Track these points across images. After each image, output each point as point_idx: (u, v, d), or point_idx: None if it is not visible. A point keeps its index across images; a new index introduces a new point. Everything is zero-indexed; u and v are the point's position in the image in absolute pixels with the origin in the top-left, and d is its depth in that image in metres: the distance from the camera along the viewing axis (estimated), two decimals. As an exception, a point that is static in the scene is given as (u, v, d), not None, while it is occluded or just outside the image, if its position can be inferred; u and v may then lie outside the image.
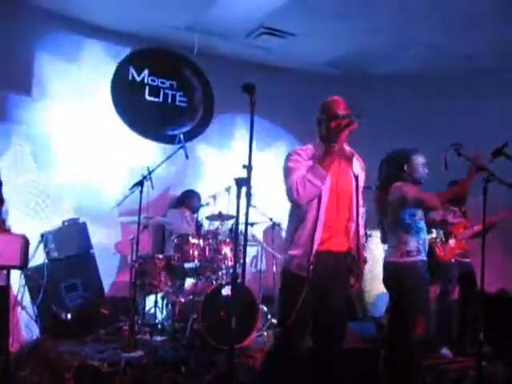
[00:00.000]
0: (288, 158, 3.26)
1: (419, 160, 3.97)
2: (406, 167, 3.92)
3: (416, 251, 3.80)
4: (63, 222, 6.00)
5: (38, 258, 5.72)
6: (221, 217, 6.03)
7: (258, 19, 6.46)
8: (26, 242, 2.02)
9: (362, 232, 3.40)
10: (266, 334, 5.68)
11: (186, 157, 5.85)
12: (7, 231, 2.30)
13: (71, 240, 5.92)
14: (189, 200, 6.83)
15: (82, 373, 4.11)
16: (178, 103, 7.32)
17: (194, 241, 5.74)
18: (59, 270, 5.73)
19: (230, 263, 5.59)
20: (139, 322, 5.53)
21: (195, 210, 6.75)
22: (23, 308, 5.54)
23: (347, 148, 3.40)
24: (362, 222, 3.37)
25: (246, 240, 2.93)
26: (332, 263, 3.22)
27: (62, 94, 6.55)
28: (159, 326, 5.69)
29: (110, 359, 4.46)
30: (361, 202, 3.37)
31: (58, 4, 6.29)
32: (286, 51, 7.23)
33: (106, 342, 5.15)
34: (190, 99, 7.41)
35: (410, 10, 5.96)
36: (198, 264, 5.71)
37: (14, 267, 2.00)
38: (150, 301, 5.97)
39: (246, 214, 2.85)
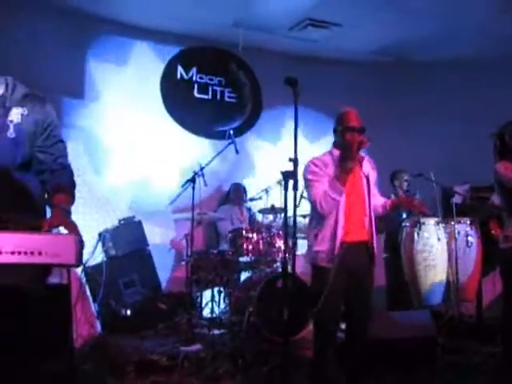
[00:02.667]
0: (306, 170, 3.54)
1: None
2: None
3: None
4: (119, 221, 6.17)
5: (97, 256, 5.93)
6: (273, 210, 6.07)
7: (303, 11, 6.45)
8: (80, 242, 2.09)
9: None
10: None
11: (237, 152, 5.92)
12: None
13: (128, 238, 6.07)
14: (235, 193, 6.90)
15: (142, 366, 4.24)
16: (226, 99, 7.40)
17: (247, 235, 5.80)
18: (117, 268, 5.88)
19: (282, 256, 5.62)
20: (197, 316, 5.65)
21: (243, 203, 6.81)
22: (85, 305, 5.74)
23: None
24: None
25: (295, 232, 2.97)
26: (354, 253, 3.49)
27: (113, 96, 6.73)
28: (216, 320, 5.78)
29: (169, 353, 4.53)
30: (375, 197, 3.72)
31: (106, 9, 6.46)
32: (332, 42, 7.19)
33: (164, 337, 5.24)
34: (238, 95, 7.47)
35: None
36: (252, 258, 5.77)
37: (71, 265, 2.08)
38: (206, 295, 6.09)
39: (294, 207, 2.89)
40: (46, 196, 2.62)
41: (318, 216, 3.55)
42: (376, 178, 3.79)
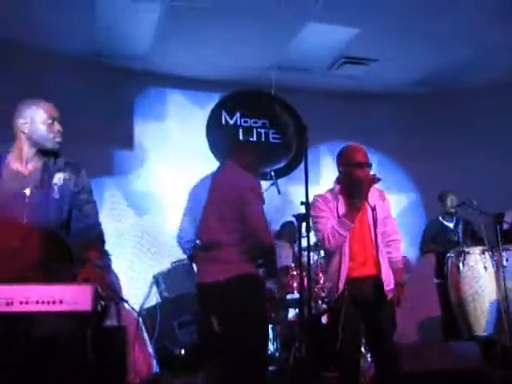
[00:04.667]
0: (311, 207, 3.48)
1: None
2: None
3: None
4: (171, 264, 6.43)
5: (151, 298, 6.22)
6: (317, 247, 6.17)
7: (338, 50, 6.65)
8: (96, 291, 2.33)
9: (396, 256, 3.67)
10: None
11: (279, 192, 6.12)
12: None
13: (180, 280, 6.31)
14: (286, 231, 7.03)
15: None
16: (271, 140, 7.62)
17: (293, 272, 5.93)
18: (171, 309, 6.12)
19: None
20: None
21: (294, 241, 6.93)
22: (142, 345, 6.00)
23: None
24: (397, 246, 3.69)
25: (309, 270, 3.10)
26: (361, 287, 3.48)
27: (157, 147, 7.18)
28: (269, 357, 5.88)
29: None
30: (388, 228, 3.66)
31: (149, 64, 6.92)
32: (371, 77, 7.33)
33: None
34: (283, 135, 7.68)
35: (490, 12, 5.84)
36: (298, 294, 5.87)
37: (87, 313, 2.31)
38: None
39: (308, 247, 3.05)
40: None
41: (326, 252, 3.64)
42: (389, 208, 3.72)
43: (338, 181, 3.66)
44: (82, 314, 2.86)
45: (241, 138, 7.45)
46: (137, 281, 6.57)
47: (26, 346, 2.70)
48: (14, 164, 2.87)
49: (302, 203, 3.05)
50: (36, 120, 2.84)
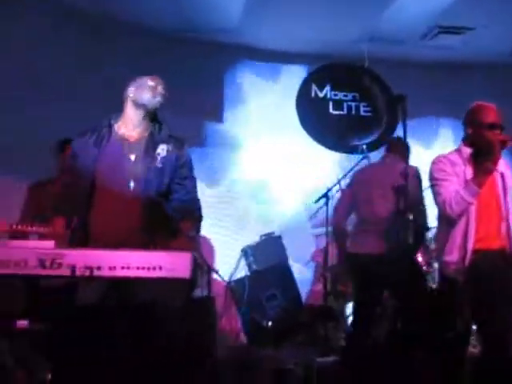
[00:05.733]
0: (434, 168, 3.32)
1: None
2: None
3: None
4: (260, 237, 6.48)
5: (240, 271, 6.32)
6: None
7: (433, 19, 6.37)
8: (194, 259, 2.36)
9: None
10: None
11: (370, 165, 5.99)
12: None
13: (269, 253, 6.35)
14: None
15: (279, 375, 4.46)
16: (362, 113, 7.46)
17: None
18: (259, 282, 6.15)
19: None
20: (336, 329, 5.75)
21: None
22: (231, 317, 6.11)
23: None
24: None
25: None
26: (489, 262, 3.19)
27: (246, 120, 7.18)
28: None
29: (305, 363, 4.71)
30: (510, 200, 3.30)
31: (238, 37, 6.91)
32: (467, 46, 6.95)
33: (302, 348, 5.42)
34: (373, 108, 7.50)
35: None
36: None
37: (185, 280, 2.34)
38: (348, 309, 6.18)
39: (403, 220, 2.94)
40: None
41: (445, 222, 3.31)
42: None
43: (466, 142, 3.37)
44: (178, 281, 2.94)
45: (331, 111, 7.33)
46: (225, 253, 6.65)
47: (123, 311, 2.80)
48: (121, 130, 3.01)
49: (400, 174, 2.93)
50: (141, 84, 2.97)
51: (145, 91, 2.95)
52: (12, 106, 5.56)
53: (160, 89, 2.97)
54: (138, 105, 2.96)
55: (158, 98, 2.96)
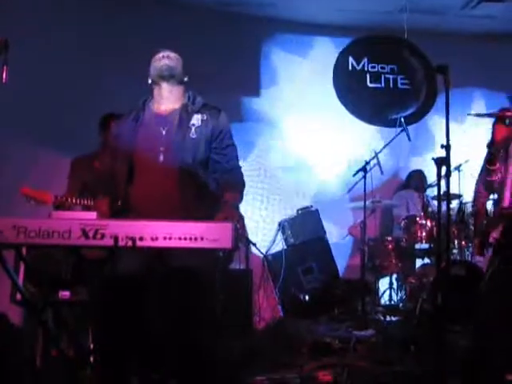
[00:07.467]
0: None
1: None
2: None
3: None
4: (297, 211, 6.49)
5: (277, 244, 6.36)
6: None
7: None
8: (236, 229, 2.38)
9: None
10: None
11: (409, 139, 5.95)
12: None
13: (306, 226, 6.36)
14: (414, 180, 6.82)
15: (315, 348, 4.48)
16: (400, 86, 7.33)
17: (421, 222, 5.77)
18: (296, 255, 6.20)
19: (458, 243, 5.52)
20: (372, 302, 5.76)
21: (422, 190, 6.72)
22: (267, 290, 6.16)
23: None
24: None
25: (449, 220, 2.97)
26: None
27: (285, 94, 7.11)
28: (393, 307, 5.84)
29: (342, 337, 4.72)
30: None
31: (276, 10, 6.85)
32: (508, 15, 6.74)
33: (339, 321, 5.42)
34: (411, 81, 7.36)
35: None
36: (426, 245, 5.73)
37: (227, 249, 2.37)
38: (384, 282, 6.18)
39: (448, 194, 2.90)
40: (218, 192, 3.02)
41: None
42: None
43: None
44: (218, 252, 2.98)
45: (368, 84, 7.23)
46: (263, 227, 6.68)
47: (164, 280, 2.85)
48: (154, 106, 3.07)
49: (442, 146, 2.89)
50: (152, 61, 3.01)
51: (153, 65, 3.00)
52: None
53: (163, 54, 2.99)
54: (154, 80, 3.02)
55: (164, 62, 2.96)
